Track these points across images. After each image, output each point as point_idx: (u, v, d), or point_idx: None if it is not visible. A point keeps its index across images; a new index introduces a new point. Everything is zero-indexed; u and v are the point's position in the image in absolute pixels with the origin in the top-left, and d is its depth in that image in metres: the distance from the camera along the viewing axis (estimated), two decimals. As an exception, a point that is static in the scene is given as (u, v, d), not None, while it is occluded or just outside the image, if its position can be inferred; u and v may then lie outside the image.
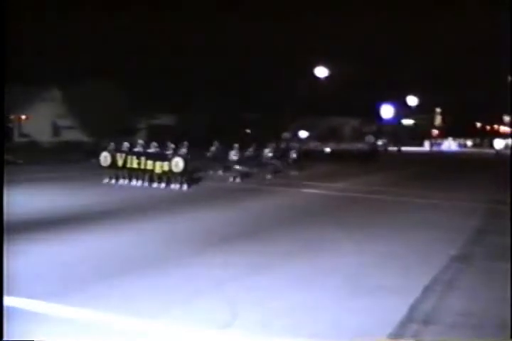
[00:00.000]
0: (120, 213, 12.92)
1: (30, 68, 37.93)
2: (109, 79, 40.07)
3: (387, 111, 78.90)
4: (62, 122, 43.35)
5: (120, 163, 19.19)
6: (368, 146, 54.64)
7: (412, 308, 6.44)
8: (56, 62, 40.32)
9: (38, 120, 40.74)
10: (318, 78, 57.12)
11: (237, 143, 23.20)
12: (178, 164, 18.26)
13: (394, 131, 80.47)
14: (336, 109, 64.82)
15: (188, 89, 46.47)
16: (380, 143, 69.00)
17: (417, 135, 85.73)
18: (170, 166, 18.32)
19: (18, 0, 33.13)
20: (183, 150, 19.28)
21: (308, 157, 33.90)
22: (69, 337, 5.41)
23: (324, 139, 53.91)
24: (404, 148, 64.88)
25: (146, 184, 18.94)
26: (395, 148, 64.06)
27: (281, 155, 26.39)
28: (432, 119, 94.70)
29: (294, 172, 25.68)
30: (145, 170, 18.87)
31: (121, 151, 19.50)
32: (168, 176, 18.62)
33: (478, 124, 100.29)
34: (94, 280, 7.28)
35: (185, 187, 18.34)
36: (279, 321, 5.98)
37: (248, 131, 53.52)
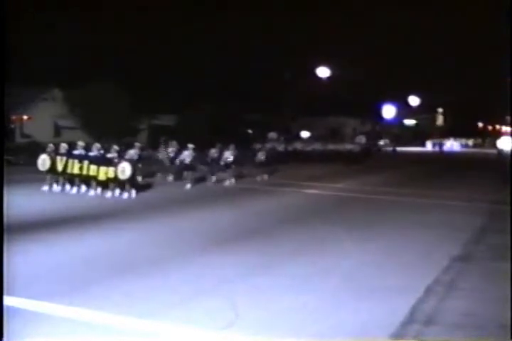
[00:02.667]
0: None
1: (32, 68, 37.94)
2: (110, 79, 40.06)
3: (388, 111, 78.87)
4: (64, 122, 43.34)
5: (60, 167, 16.85)
6: (359, 147, 53.66)
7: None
8: (57, 63, 40.36)
9: (40, 120, 40.73)
10: (319, 78, 57.14)
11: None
12: (124, 170, 15.75)
13: (395, 131, 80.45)
14: (337, 109, 64.73)
15: (189, 89, 46.46)
16: (381, 143, 68.84)
17: (418, 135, 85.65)
18: (116, 172, 15.80)
19: (18, 0, 33.19)
20: (132, 153, 17.43)
21: (296, 158, 33.32)
22: (69, 337, 5.39)
23: (322, 139, 53.39)
24: (403, 148, 63.83)
25: (88, 192, 16.44)
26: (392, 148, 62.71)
27: (246, 157, 23.80)
28: (434, 119, 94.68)
29: (263, 177, 22.74)
30: (87, 176, 16.44)
31: (61, 154, 17.36)
32: (111, 184, 16.08)
33: (480, 124, 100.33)
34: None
35: (125, 195, 15.82)
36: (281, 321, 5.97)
37: (250, 131, 53.50)
